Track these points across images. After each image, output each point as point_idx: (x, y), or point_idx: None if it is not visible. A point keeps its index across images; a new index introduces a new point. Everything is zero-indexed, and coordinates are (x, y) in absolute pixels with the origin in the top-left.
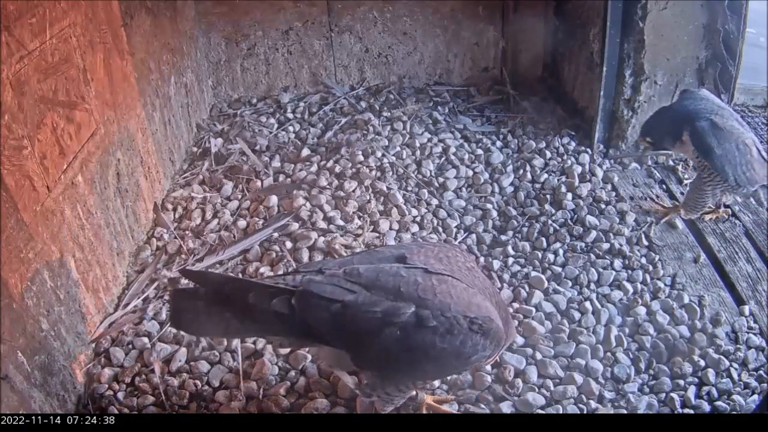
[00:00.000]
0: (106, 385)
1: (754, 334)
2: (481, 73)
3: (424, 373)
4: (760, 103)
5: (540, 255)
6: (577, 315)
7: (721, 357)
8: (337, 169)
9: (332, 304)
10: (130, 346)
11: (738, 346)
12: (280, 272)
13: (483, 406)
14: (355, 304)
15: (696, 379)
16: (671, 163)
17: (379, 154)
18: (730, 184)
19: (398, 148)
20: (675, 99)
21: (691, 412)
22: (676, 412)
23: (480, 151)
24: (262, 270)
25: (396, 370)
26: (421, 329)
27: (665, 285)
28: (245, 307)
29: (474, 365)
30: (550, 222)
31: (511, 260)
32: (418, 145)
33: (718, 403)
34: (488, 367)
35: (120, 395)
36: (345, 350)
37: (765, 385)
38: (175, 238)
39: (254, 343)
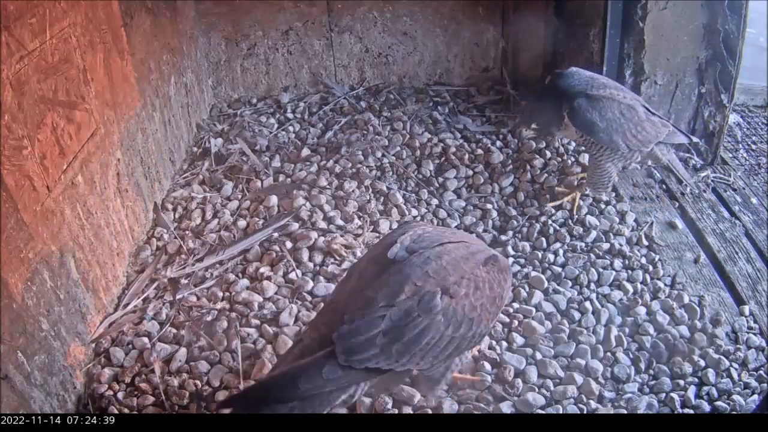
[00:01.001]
0: (106, 385)
1: (754, 334)
2: (481, 73)
3: (480, 334)
4: (760, 103)
5: (540, 255)
6: (577, 315)
7: (721, 357)
8: (337, 169)
9: (375, 340)
10: (130, 346)
11: (738, 346)
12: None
13: (483, 406)
14: (394, 324)
15: (696, 379)
16: None
17: (379, 154)
18: (624, 152)
19: (398, 148)
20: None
21: (691, 412)
22: (676, 412)
23: (480, 151)
24: (262, 270)
25: (458, 348)
26: (458, 302)
27: (665, 285)
28: (301, 395)
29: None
30: (550, 222)
31: (511, 260)
32: (418, 145)
33: (718, 403)
34: (488, 367)
35: (120, 395)
36: (409, 367)
37: (765, 385)
38: (175, 238)
39: (254, 343)
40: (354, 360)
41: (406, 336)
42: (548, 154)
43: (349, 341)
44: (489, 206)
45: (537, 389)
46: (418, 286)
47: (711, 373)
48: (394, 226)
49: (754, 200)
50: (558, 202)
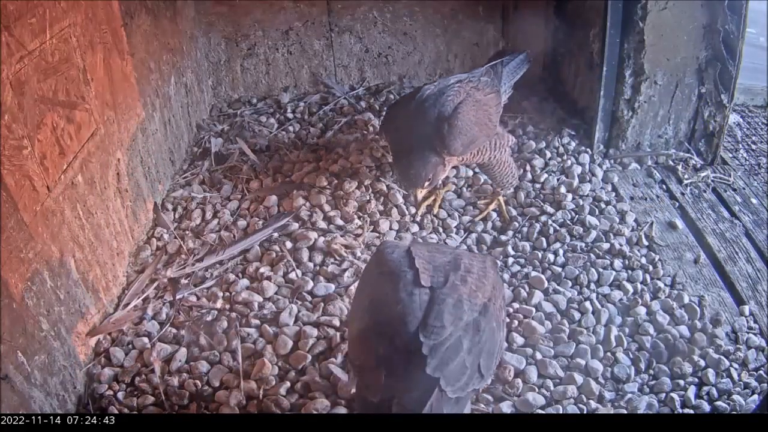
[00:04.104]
0: (106, 385)
1: (754, 334)
2: None
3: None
4: (760, 103)
5: (540, 255)
6: (577, 315)
7: (721, 357)
8: (337, 168)
9: (465, 363)
10: (130, 346)
11: (738, 346)
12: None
13: (483, 406)
14: (472, 343)
15: (696, 379)
16: (671, 163)
17: (378, 154)
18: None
19: None
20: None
21: (691, 412)
22: (676, 412)
23: None
24: (262, 270)
25: (501, 351)
26: (497, 306)
27: (665, 285)
28: None
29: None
30: (550, 222)
31: (511, 260)
32: None
33: (718, 403)
34: None
35: (120, 395)
36: (490, 380)
37: (765, 385)
38: (175, 238)
39: (254, 343)
40: (458, 389)
41: (484, 350)
42: (548, 154)
43: (445, 372)
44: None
45: (537, 389)
46: (472, 302)
47: (711, 373)
48: (395, 226)
49: (754, 200)
50: (483, 214)
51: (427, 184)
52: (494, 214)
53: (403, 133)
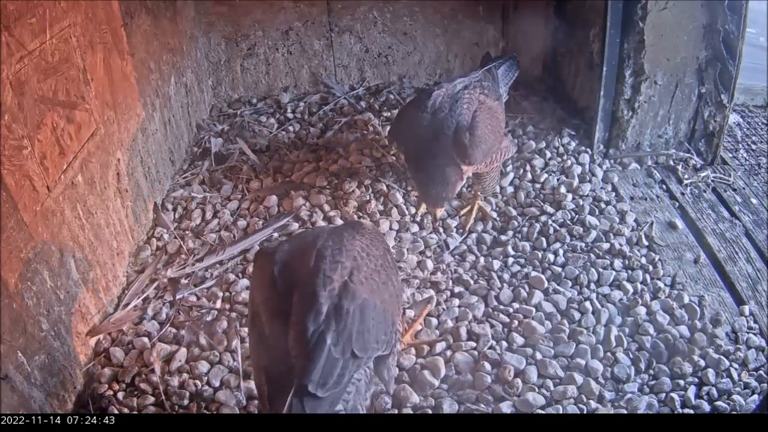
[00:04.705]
0: (106, 385)
1: (754, 334)
2: None
3: (399, 292)
4: (760, 103)
5: (540, 255)
6: (577, 315)
7: (721, 357)
8: (337, 168)
9: (335, 354)
10: (130, 346)
11: (738, 346)
12: None
13: (483, 406)
14: (338, 331)
15: (696, 379)
16: (671, 163)
17: (378, 154)
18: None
19: None
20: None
21: (691, 412)
22: (676, 412)
23: None
24: None
25: (395, 313)
26: (363, 274)
27: (665, 285)
28: None
29: None
30: (550, 222)
31: (511, 260)
32: None
33: (718, 403)
34: (488, 367)
35: (120, 395)
36: (374, 354)
37: (765, 385)
38: (175, 238)
39: None
40: (332, 385)
41: (355, 330)
42: (548, 154)
43: (317, 377)
44: (488, 208)
45: (537, 389)
46: (327, 289)
47: (711, 373)
48: (395, 226)
49: (754, 200)
50: (471, 221)
51: (447, 203)
52: (494, 214)
53: (420, 143)
